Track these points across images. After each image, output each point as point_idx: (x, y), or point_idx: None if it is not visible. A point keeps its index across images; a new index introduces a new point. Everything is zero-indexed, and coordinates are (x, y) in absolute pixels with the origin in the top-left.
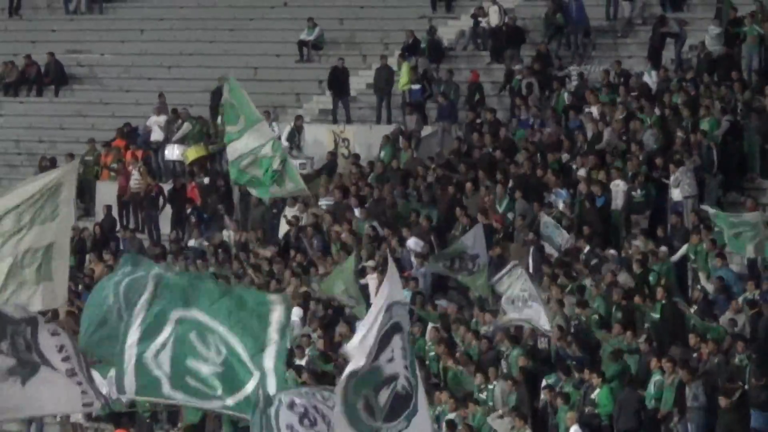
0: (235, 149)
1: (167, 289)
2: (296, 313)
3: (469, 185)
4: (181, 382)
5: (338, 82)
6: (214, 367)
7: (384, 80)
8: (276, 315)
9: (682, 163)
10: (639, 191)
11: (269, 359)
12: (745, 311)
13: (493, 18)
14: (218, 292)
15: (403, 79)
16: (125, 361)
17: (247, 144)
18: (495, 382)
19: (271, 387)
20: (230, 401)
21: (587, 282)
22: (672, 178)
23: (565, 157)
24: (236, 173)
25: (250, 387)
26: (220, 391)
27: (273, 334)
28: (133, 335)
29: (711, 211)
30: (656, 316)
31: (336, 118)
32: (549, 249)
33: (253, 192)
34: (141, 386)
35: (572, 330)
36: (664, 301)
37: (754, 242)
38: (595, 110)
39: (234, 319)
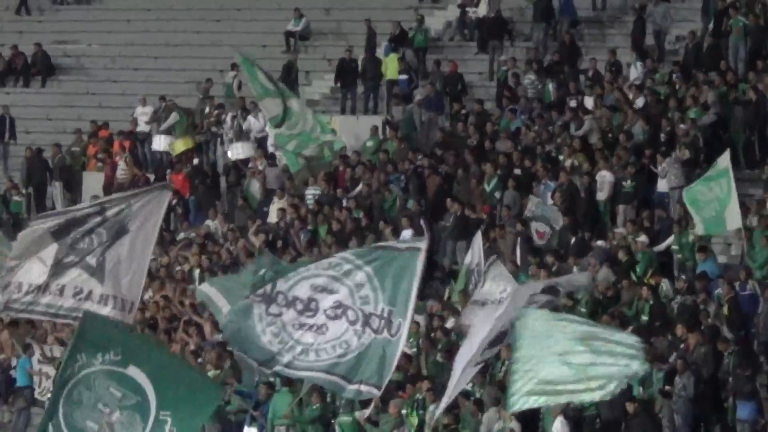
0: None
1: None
2: None
3: (460, 173)
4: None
5: (346, 72)
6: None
7: (371, 70)
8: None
9: (669, 154)
10: (629, 182)
11: None
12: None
13: (482, 8)
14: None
15: (390, 70)
16: None
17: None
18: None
19: None
20: None
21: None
22: (659, 168)
23: (550, 148)
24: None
25: None
26: None
27: None
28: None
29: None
30: (645, 318)
31: (345, 109)
32: (536, 240)
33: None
34: None
35: None
36: (651, 302)
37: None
38: (590, 101)
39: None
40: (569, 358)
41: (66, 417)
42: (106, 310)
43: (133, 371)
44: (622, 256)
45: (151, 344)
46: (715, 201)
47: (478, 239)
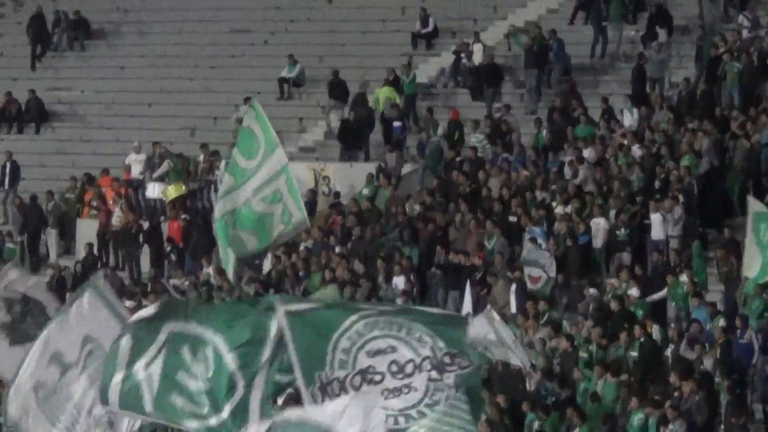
0: (246, 189)
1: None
2: None
3: (458, 218)
4: (164, 400)
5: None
6: (202, 383)
7: (363, 116)
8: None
9: (662, 201)
10: (623, 230)
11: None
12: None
13: (477, 56)
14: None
15: (381, 101)
16: (113, 373)
17: (263, 176)
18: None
19: (255, 401)
20: (213, 421)
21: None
22: (655, 216)
23: (541, 195)
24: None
25: (226, 411)
26: (206, 409)
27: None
28: (125, 349)
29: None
30: (634, 354)
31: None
32: (530, 285)
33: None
34: (124, 401)
35: (555, 368)
36: (642, 339)
37: None
38: (587, 152)
39: (231, 329)
40: None
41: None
42: None
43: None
44: (614, 306)
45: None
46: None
47: (467, 290)
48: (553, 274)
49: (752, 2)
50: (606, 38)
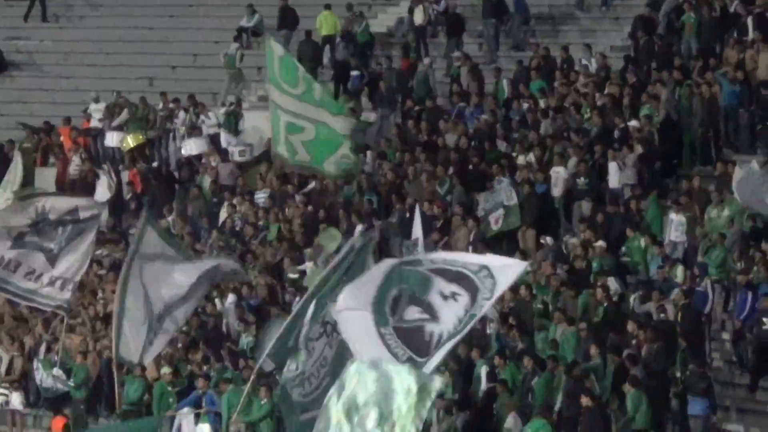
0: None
1: None
2: (231, 299)
3: (411, 170)
4: None
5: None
6: None
7: (310, 56)
8: None
9: (621, 150)
10: (582, 179)
11: None
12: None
13: (418, 16)
14: None
15: (326, 27)
16: None
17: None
18: None
19: None
20: None
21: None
22: (612, 165)
23: (501, 145)
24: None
25: None
26: None
27: None
28: None
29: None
30: (598, 319)
31: None
32: (493, 226)
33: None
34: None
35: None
36: (606, 304)
37: None
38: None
39: None
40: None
41: None
42: (49, 291)
43: None
44: (579, 264)
45: None
46: None
47: (417, 215)
48: (512, 201)
49: None
50: None
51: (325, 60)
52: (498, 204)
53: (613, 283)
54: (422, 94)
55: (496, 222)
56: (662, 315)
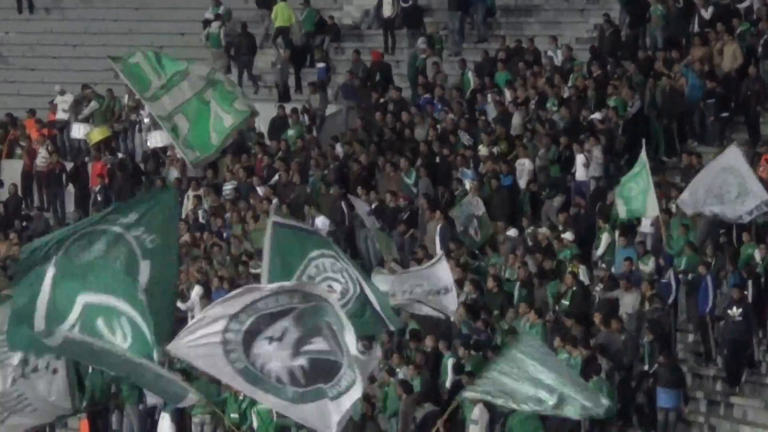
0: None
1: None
2: (197, 291)
3: (382, 161)
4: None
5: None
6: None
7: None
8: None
9: (585, 142)
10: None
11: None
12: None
13: (387, 8)
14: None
15: (280, 18)
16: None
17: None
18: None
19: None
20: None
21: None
22: (579, 157)
23: (466, 138)
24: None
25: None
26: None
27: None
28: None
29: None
30: (566, 303)
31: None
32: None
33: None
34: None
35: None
36: (574, 288)
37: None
38: (508, 94)
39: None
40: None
41: None
42: None
43: None
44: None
45: None
46: (642, 193)
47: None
48: (481, 210)
49: None
50: None
51: (280, 51)
52: (470, 216)
53: (583, 270)
54: (412, 76)
55: (476, 233)
56: (630, 307)
